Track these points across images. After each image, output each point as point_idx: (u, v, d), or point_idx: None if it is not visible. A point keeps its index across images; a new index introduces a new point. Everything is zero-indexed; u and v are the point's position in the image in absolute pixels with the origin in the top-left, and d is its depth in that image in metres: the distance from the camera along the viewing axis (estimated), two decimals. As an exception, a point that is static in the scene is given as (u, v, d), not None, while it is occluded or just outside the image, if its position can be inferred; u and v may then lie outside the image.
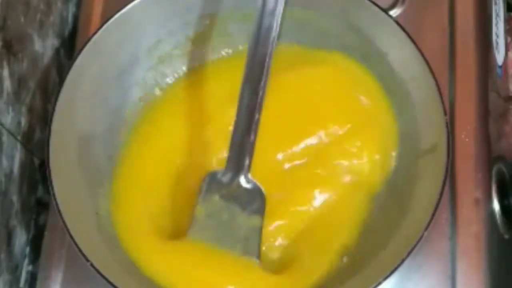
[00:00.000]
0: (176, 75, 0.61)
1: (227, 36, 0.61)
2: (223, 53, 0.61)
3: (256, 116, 0.51)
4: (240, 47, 0.61)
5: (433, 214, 0.48)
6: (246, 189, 0.53)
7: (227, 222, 0.54)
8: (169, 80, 0.60)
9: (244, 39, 0.59)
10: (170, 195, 0.56)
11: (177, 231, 0.55)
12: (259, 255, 0.53)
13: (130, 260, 0.53)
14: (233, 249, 0.53)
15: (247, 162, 0.52)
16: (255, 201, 0.53)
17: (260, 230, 0.53)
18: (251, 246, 0.53)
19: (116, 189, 0.56)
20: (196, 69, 0.61)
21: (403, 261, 0.47)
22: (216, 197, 0.53)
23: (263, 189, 0.53)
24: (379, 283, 0.47)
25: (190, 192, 0.55)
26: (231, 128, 0.53)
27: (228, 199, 0.53)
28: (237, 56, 0.60)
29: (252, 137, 0.51)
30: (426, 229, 0.48)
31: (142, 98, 0.60)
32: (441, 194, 0.49)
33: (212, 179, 0.54)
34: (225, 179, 0.53)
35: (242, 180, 0.53)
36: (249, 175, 0.53)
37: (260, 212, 0.53)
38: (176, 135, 0.58)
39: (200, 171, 0.55)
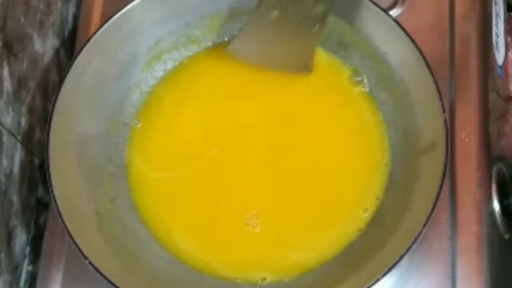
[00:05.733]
0: (176, 74, 0.61)
1: (227, 35, 0.61)
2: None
3: None
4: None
5: (432, 211, 0.48)
6: None
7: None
8: (169, 79, 0.61)
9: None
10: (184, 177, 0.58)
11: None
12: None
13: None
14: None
15: None
16: None
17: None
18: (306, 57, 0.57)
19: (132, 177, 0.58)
20: (197, 66, 0.61)
21: (401, 257, 0.48)
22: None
23: None
24: (378, 280, 0.47)
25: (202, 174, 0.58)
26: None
27: None
28: None
29: None
30: (424, 225, 0.48)
31: (142, 97, 0.60)
32: (439, 190, 0.49)
33: None
34: None
35: None
36: None
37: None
38: (179, 130, 0.59)
39: (209, 156, 0.58)
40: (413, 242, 0.48)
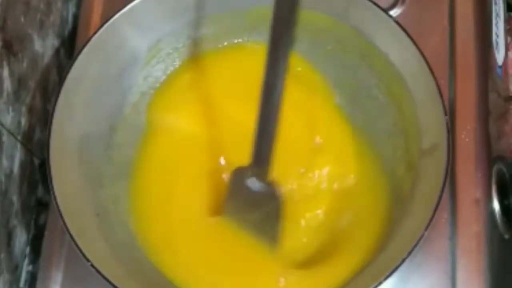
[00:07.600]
0: (176, 74, 0.61)
1: (227, 35, 0.61)
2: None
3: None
4: (240, 40, 0.61)
5: (434, 214, 0.48)
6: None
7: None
8: (169, 79, 0.61)
9: (244, 36, 0.60)
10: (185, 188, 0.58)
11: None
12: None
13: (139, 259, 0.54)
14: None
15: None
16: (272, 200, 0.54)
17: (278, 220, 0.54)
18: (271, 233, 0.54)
19: (133, 189, 0.57)
20: (197, 66, 0.61)
21: (403, 260, 0.48)
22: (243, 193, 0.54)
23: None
24: (380, 283, 0.47)
25: (205, 181, 0.57)
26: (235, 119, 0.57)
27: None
28: (234, 47, 0.61)
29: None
30: (426, 228, 0.48)
31: (142, 97, 0.60)
32: (441, 193, 0.49)
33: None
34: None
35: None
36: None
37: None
38: (180, 131, 0.59)
39: (211, 161, 0.57)
40: (415, 246, 0.48)
